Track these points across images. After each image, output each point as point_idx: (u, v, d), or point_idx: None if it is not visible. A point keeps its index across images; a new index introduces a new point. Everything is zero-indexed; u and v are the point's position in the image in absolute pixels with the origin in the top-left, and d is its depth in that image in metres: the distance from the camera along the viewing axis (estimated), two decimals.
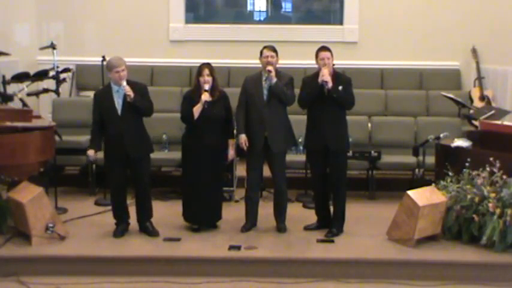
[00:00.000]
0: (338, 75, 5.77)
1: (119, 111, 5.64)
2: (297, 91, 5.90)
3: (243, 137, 5.79)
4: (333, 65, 5.77)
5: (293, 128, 5.98)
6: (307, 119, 5.93)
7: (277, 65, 5.80)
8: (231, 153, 5.95)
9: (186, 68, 8.66)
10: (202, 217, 5.91)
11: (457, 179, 5.74)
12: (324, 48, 5.73)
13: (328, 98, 5.63)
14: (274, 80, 5.69)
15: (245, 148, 5.78)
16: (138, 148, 5.69)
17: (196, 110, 5.69)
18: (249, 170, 5.92)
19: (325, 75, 5.57)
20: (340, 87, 5.66)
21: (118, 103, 5.64)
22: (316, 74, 5.74)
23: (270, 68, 5.67)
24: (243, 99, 5.84)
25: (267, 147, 5.77)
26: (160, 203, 6.56)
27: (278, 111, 5.81)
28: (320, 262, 5.37)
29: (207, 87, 5.69)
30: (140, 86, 5.78)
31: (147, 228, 5.81)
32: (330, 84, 5.57)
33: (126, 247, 5.55)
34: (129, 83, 5.63)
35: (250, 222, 5.95)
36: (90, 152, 5.80)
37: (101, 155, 5.82)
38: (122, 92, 5.59)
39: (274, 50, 5.76)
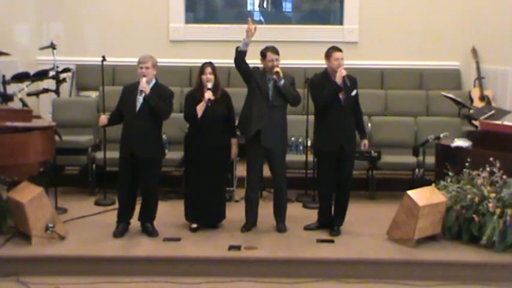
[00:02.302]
0: (348, 76, 5.75)
1: (137, 108, 5.64)
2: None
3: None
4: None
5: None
6: (318, 120, 5.87)
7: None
8: (234, 152, 5.95)
9: (186, 68, 8.67)
10: (203, 216, 5.92)
11: (457, 179, 5.74)
12: (338, 49, 5.74)
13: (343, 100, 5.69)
14: (283, 81, 5.70)
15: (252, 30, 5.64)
16: (146, 150, 5.65)
17: (200, 108, 5.70)
18: (249, 171, 5.92)
19: (344, 72, 5.62)
20: (354, 92, 5.73)
21: (138, 100, 5.63)
22: (325, 73, 5.77)
23: (277, 69, 5.68)
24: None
25: (260, 144, 5.74)
26: (160, 203, 6.52)
27: (279, 111, 5.81)
28: (320, 262, 5.37)
29: (209, 85, 5.71)
30: (164, 90, 5.77)
31: (147, 228, 5.81)
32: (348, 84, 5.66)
33: (126, 247, 5.55)
34: (158, 85, 5.69)
35: (250, 223, 5.95)
36: (103, 117, 5.82)
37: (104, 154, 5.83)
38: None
39: (278, 52, 5.76)
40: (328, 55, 5.74)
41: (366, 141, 5.99)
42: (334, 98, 5.68)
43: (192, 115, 5.75)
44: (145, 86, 5.57)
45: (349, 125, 5.80)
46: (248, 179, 5.94)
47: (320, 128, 5.86)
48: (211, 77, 5.73)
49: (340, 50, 5.74)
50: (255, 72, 5.83)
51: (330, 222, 5.95)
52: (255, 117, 5.74)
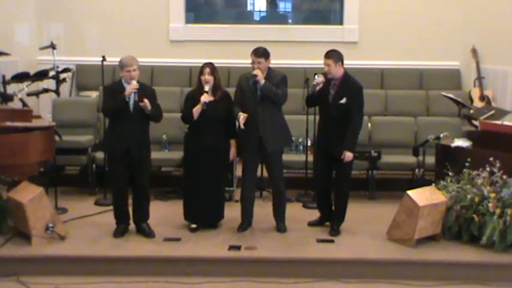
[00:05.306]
0: (348, 83, 5.76)
1: (131, 109, 5.61)
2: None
3: (241, 115, 5.66)
4: (344, 69, 5.81)
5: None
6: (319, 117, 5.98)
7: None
8: (232, 153, 5.94)
9: (186, 68, 8.67)
10: (202, 217, 5.92)
11: (457, 179, 5.74)
12: (325, 55, 5.77)
13: (333, 105, 5.71)
14: (262, 82, 5.66)
15: (242, 124, 5.65)
16: (141, 148, 5.68)
17: (196, 110, 5.69)
18: (244, 171, 5.90)
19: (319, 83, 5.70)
20: (343, 100, 5.67)
21: (130, 101, 5.60)
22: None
23: (255, 72, 5.66)
24: (238, 97, 5.81)
25: (261, 146, 5.74)
26: (160, 203, 6.55)
27: (272, 109, 5.76)
28: (320, 262, 5.37)
29: (207, 88, 5.69)
30: (150, 90, 5.77)
31: (143, 230, 5.79)
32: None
33: (126, 247, 5.55)
34: (141, 85, 5.66)
35: (246, 222, 5.95)
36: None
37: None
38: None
39: (261, 55, 5.68)
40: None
41: (347, 153, 5.65)
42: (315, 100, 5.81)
43: (188, 117, 5.75)
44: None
45: (337, 131, 5.70)
46: (243, 178, 5.93)
47: (318, 125, 5.95)
48: (210, 77, 5.72)
49: (326, 57, 5.75)
50: (241, 80, 5.81)
51: (330, 217, 5.98)
52: (250, 124, 5.66)
